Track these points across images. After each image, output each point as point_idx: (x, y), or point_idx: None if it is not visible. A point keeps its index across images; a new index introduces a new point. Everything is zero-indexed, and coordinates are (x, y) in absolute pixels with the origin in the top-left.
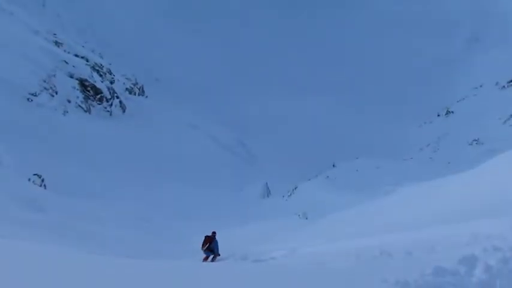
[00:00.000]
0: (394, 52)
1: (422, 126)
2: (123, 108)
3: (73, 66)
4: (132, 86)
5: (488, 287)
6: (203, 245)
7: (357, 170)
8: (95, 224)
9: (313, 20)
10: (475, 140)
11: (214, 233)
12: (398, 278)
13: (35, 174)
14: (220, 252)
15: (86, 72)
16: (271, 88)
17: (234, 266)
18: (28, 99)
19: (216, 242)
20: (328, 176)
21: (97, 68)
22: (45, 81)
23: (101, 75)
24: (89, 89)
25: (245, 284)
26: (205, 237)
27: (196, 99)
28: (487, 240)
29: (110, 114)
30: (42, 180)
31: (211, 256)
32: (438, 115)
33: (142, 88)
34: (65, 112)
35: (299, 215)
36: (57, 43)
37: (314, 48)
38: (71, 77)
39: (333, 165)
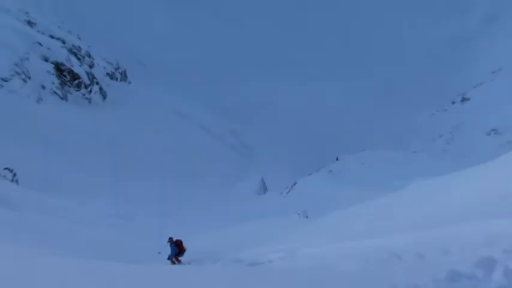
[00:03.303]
0: (404, 34)
1: (435, 114)
2: (103, 95)
3: (48, 48)
4: (114, 70)
5: None
6: (180, 251)
7: (363, 164)
8: (71, 223)
9: (317, 2)
10: (494, 130)
11: (171, 238)
12: (408, 283)
13: (5, 169)
14: (210, 253)
15: (62, 55)
16: (268, 71)
17: (226, 270)
18: None
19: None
20: (331, 170)
21: (74, 50)
22: (16, 65)
23: (78, 59)
24: (65, 73)
25: None
26: (176, 245)
27: (184, 85)
28: (506, 240)
29: (89, 102)
30: (14, 175)
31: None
32: (453, 102)
33: (125, 73)
34: (39, 99)
35: (298, 214)
36: (30, 23)
37: (317, 31)
38: (46, 60)
39: (337, 158)
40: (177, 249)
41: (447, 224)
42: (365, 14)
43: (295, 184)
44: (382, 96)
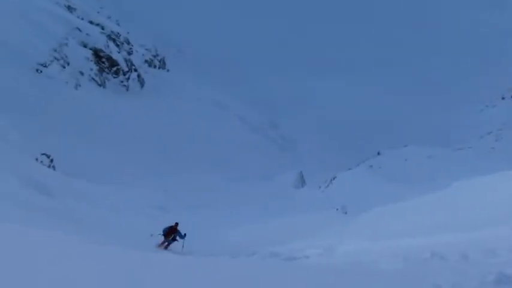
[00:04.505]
0: (447, 25)
1: (484, 110)
2: (141, 82)
3: (87, 34)
4: (152, 57)
5: None
6: (168, 235)
7: (406, 160)
8: (107, 212)
9: None
10: None
11: (177, 224)
12: (453, 284)
13: (43, 154)
14: (246, 247)
15: (101, 41)
16: (308, 64)
17: (262, 263)
18: (37, 70)
19: (179, 232)
20: (371, 165)
21: (113, 36)
22: (55, 51)
23: (117, 45)
24: (104, 60)
25: (274, 284)
26: (169, 228)
27: (223, 74)
28: None
29: (127, 89)
30: (51, 161)
31: (168, 244)
32: (503, 98)
33: (164, 60)
34: (77, 85)
35: (337, 209)
36: (69, 8)
37: (355, 24)
38: (85, 46)
39: (378, 153)
40: (167, 231)
41: (494, 225)
42: (407, 4)
43: (334, 178)
44: (427, 91)
